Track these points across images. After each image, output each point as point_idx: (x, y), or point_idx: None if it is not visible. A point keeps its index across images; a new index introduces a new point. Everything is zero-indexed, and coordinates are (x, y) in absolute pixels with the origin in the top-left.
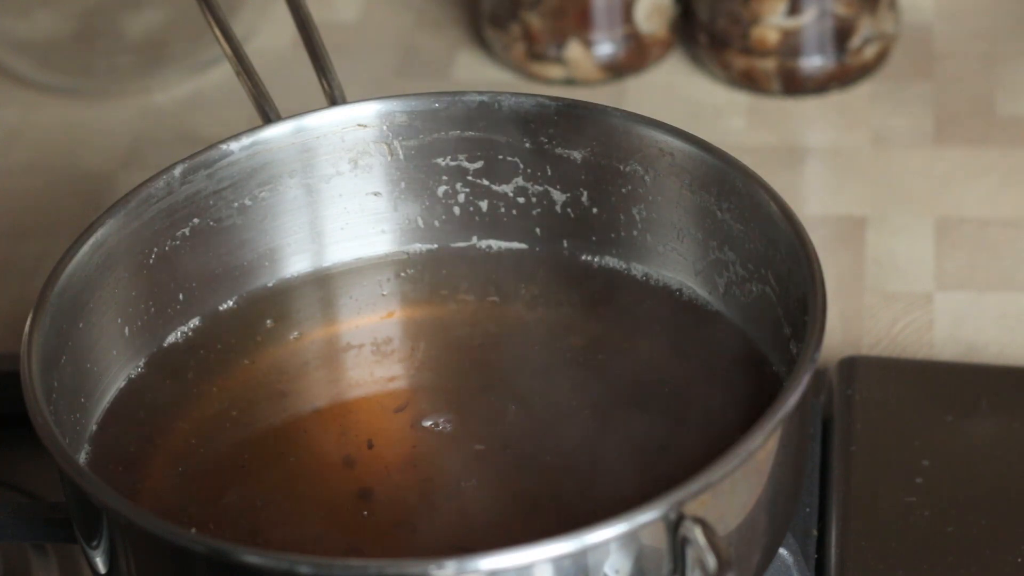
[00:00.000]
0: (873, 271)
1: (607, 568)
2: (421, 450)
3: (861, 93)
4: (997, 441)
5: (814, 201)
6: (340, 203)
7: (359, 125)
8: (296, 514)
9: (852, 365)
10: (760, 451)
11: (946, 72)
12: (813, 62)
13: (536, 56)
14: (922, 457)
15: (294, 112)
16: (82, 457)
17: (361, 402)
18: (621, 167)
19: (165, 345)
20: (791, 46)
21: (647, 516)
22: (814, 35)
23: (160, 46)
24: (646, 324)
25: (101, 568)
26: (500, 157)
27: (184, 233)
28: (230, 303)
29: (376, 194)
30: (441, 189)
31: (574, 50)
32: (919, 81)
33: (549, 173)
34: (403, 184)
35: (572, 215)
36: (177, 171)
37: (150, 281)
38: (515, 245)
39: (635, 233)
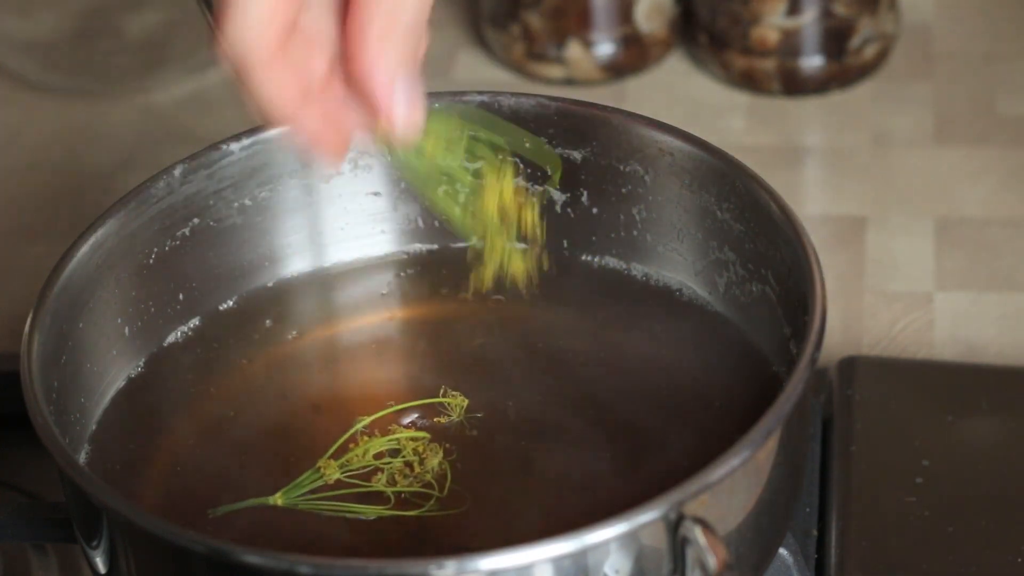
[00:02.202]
0: (873, 271)
1: (607, 568)
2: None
3: (861, 93)
4: (997, 441)
5: (814, 201)
6: (340, 203)
7: None
8: (295, 514)
9: (852, 365)
10: (760, 451)
11: (946, 72)
12: (813, 62)
13: (536, 56)
14: (922, 457)
15: None
16: (82, 457)
17: (361, 402)
18: (621, 167)
19: (165, 345)
20: (791, 46)
21: (647, 516)
22: (814, 35)
23: (160, 46)
24: (646, 324)
25: (101, 568)
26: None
27: (184, 233)
28: (230, 303)
29: (376, 194)
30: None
31: (574, 50)
32: (919, 81)
33: (549, 173)
34: (403, 184)
35: (572, 215)
36: (177, 171)
37: (150, 281)
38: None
39: (635, 233)
